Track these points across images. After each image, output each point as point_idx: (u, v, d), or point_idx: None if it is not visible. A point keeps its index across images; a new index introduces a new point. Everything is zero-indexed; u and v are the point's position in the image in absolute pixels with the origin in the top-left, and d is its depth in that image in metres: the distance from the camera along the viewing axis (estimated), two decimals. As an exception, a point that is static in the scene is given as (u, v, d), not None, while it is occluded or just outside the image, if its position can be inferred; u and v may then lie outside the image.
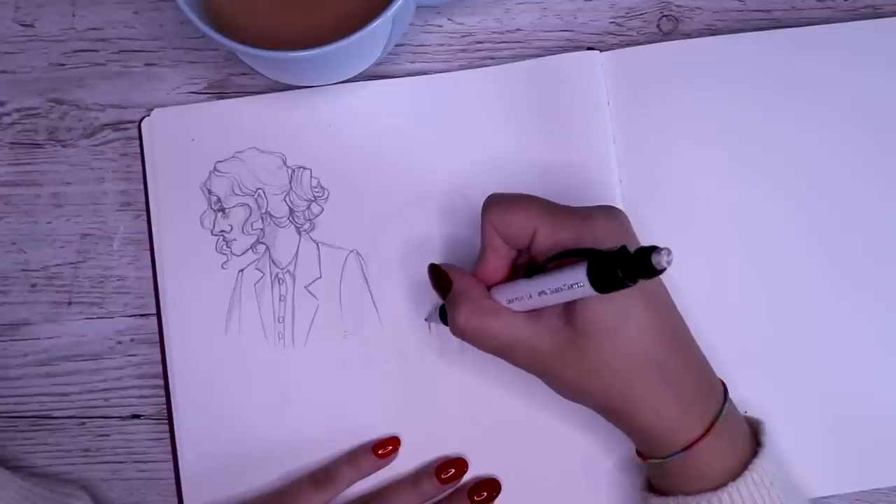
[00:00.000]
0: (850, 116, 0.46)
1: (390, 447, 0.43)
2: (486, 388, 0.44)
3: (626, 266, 0.31)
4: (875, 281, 0.45)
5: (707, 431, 0.36)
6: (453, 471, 0.43)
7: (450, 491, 0.44)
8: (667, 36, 0.47)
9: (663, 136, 0.45)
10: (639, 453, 0.40)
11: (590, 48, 0.46)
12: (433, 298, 0.44)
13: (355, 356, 0.44)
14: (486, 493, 0.43)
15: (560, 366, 0.36)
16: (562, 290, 0.34)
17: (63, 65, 0.47)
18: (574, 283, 0.33)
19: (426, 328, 0.45)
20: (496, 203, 0.38)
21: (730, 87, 0.46)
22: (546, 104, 0.45)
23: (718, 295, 0.44)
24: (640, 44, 0.47)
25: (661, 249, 0.30)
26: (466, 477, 0.44)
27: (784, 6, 0.47)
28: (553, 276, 0.35)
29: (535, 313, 0.37)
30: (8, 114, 0.47)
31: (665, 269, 0.30)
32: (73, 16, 0.47)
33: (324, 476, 0.43)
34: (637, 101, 0.46)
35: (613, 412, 0.38)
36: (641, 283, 0.32)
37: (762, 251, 0.45)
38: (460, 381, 0.44)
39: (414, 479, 0.43)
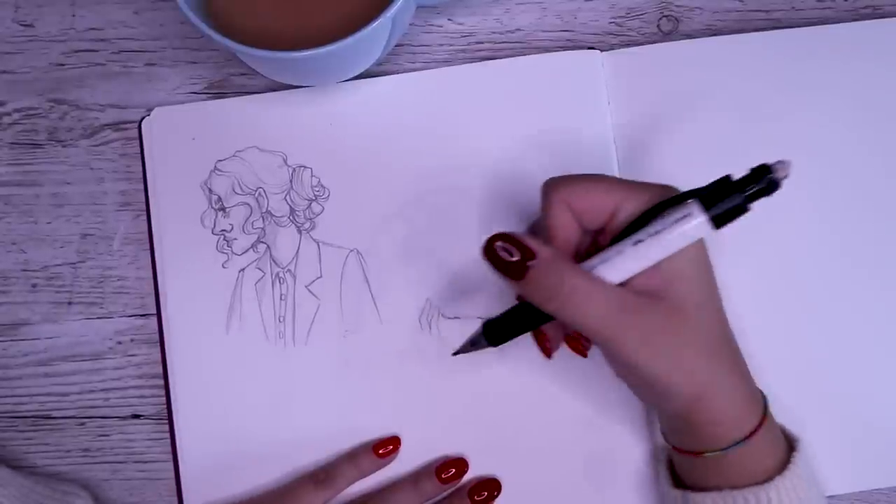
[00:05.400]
0: (851, 116, 0.46)
1: (390, 447, 0.43)
2: (487, 387, 0.44)
3: (742, 189, 0.31)
4: (875, 280, 0.45)
5: (761, 422, 0.36)
6: (454, 470, 0.43)
7: (450, 491, 0.43)
8: (667, 36, 0.47)
9: (663, 136, 0.45)
10: (676, 448, 0.38)
11: (590, 48, 0.46)
12: (433, 297, 0.44)
13: (355, 356, 0.44)
14: (486, 493, 0.43)
15: (644, 339, 0.34)
16: (667, 228, 0.33)
17: (63, 65, 0.47)
18: (684, 214, 0.33)
19: (426, 328, 0.45)
20: (567, 181, 0.37)
21: (730, 88, 0.46)
22: (546, 103, 0.45)
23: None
24: (640, 44, 0.47)
25: (780, 160, 0.30)
26: (467, 477, 0.44)
27: (784, 6, 0.47)
28: (654, 222, 0.34)
29: (626, 289, 0.35)
30: (8, 114, 0.47)
31: (783, 180, 0.30)
32: (73, 16, 0.47)
33: (324, 476, 0.43)
34: (637, 101, 0.46)
35: (693, 397, 0.35)
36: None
37: (762, 251, 0.45)
38: (461, 380, 0.44)
39: (414, 478, 0.43)
